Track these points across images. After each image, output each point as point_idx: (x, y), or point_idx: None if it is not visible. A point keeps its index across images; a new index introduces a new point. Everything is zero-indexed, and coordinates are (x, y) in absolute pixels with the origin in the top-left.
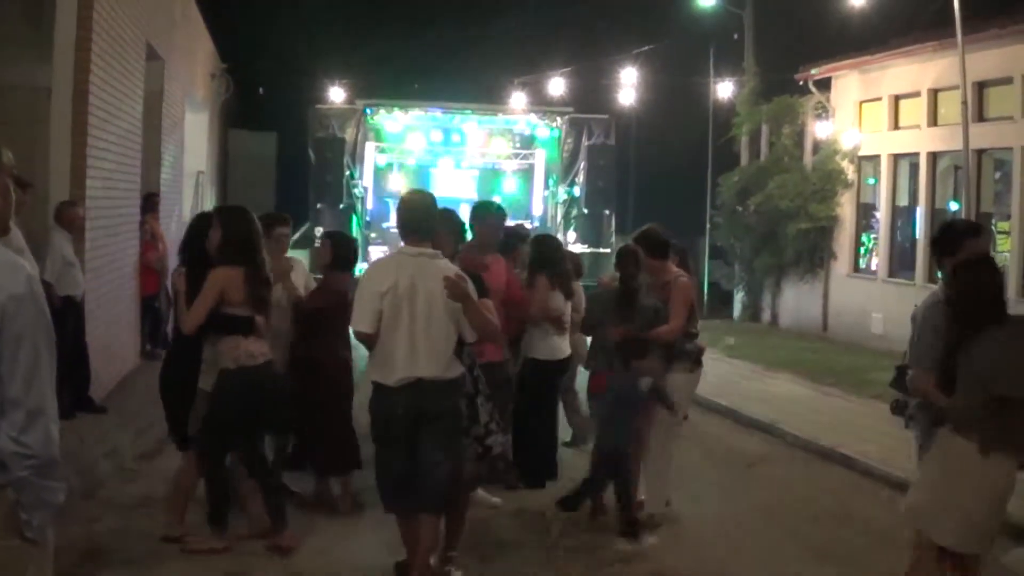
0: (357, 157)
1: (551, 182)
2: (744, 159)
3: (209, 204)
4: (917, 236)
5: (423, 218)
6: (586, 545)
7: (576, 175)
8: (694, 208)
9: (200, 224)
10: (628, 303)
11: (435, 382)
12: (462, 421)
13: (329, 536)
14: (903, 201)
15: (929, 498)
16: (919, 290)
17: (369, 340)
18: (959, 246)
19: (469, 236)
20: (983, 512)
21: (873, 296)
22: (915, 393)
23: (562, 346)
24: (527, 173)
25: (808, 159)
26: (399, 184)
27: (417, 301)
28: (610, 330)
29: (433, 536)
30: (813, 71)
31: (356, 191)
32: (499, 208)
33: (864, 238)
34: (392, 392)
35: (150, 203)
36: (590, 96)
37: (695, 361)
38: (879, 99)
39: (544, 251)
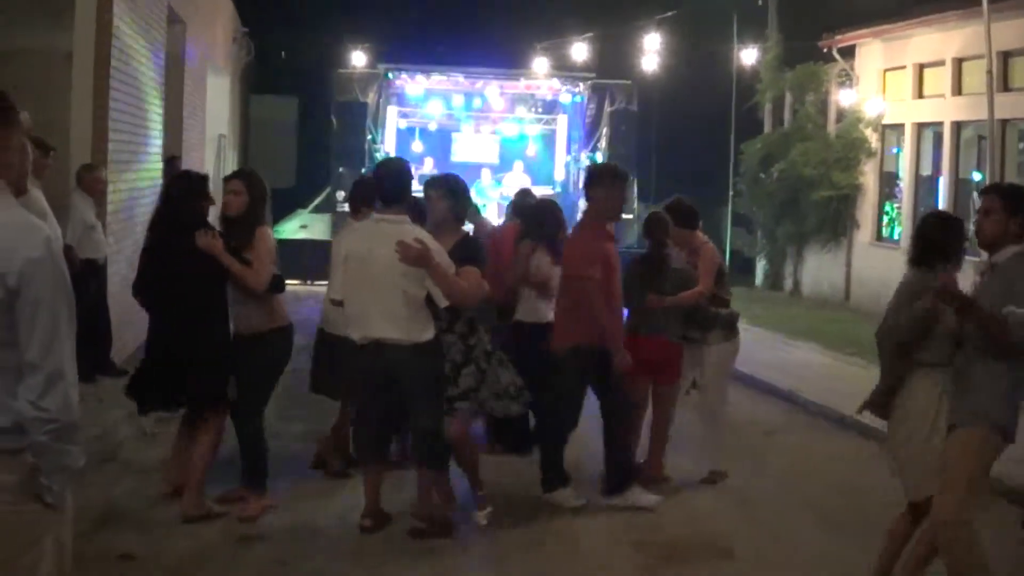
0: (379, 122)
1: (573, 148)
2: (767, 126)
3: (230, 168)
4: (940, 206)
5: (391, 185)
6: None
7: (598, 141)
8: (717, 175)
9: (189, 186)
10: (658, 269)
11: (396, 345)
12: (439, 384)
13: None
14: (926, 171)
15: None
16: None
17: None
18: None
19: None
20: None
21: (895, 265)
22: None
23: (546, 311)
24: (549, 138)
25: (831, 127)
26: (420, 149)
27: (372, 266)
28: (648, 296)
29: (424, 486)
30: (837, 38)
31: (378, 156)
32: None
33: (887, 207)
34: (359, 350)
35: (172, 167)
36: (613, 62)
37: (730, 328)
38: (903, 67)
39: (530, 216)
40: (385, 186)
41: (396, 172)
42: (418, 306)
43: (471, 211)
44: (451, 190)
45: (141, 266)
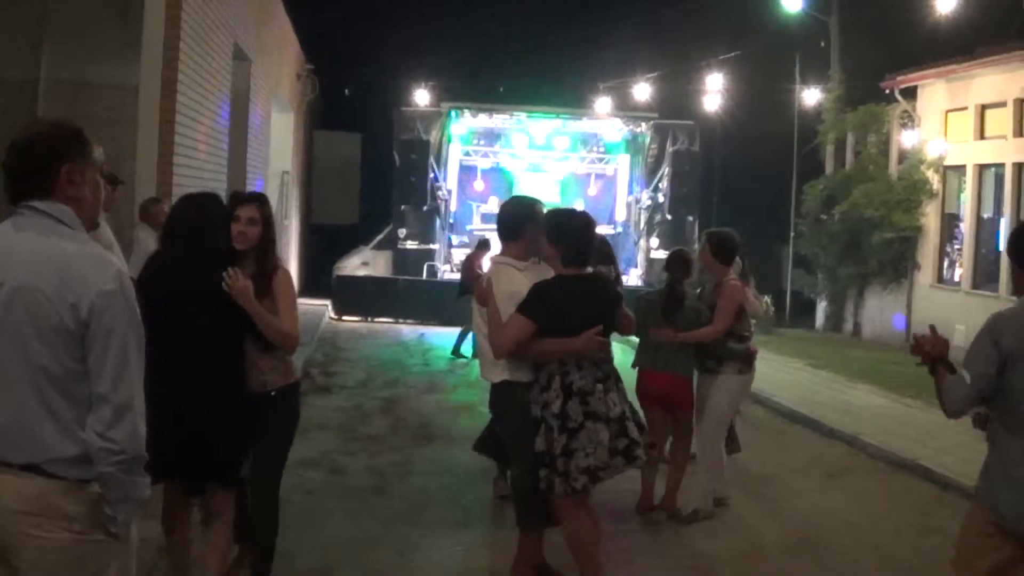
0: (441, 160)
1: (635, 187)
2: (829, 167)
3: (294, 204)
4: (1001, 248)
5: (503, 225)
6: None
7: (660, 180)
8: (778, 216)
9: (204, 212)
10: (674, 305)
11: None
12: (508, 428)
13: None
14: (988, 212)
15: None
16: (1003, 302)
17: None
18: None
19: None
20: None
21: (957, 307)
22: None
23: None
24: (611, 178)
25: (893, 168)
26: (482, 187)
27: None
28: (655, 330)
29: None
30: (899, 79)
31: (440, 193)
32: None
33: (949, 249)
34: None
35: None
36: (675, 102)
37: (744, 362)
38: (965, 108)
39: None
40: (500, 226)
41: (515, 212)
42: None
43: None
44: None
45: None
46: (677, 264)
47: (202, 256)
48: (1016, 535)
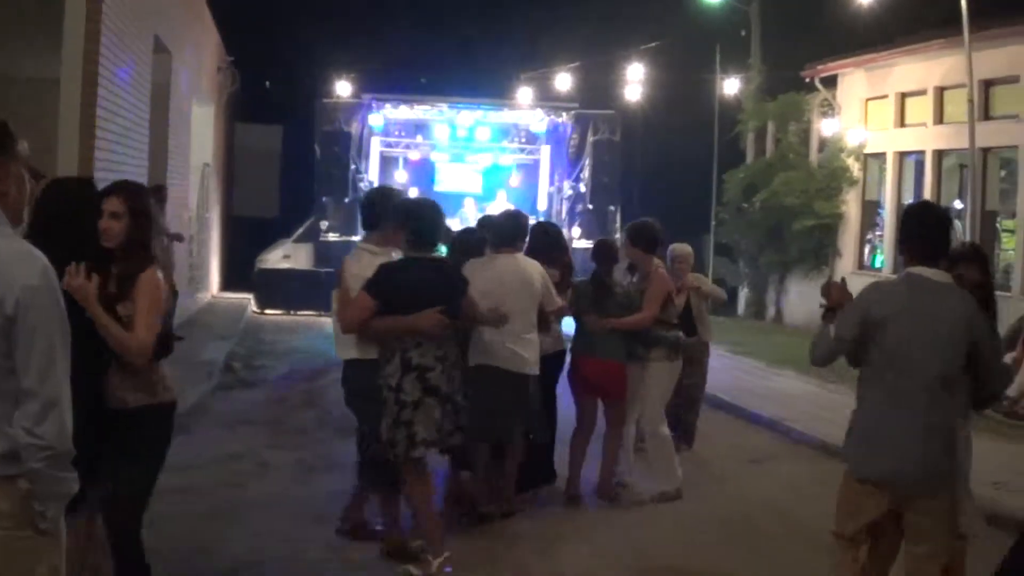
0: (363, 151)
1: (556, 177)
2: (750, 156)
3: (215, 197)
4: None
5: (363, 213)
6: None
7: (581, 171)
8: (699, 205)
9: (78, 198)
10: (602, 293)
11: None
12: (357, 402)
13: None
14: (908, 199)
15: None
16: None
17: None
18: None
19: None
20: None
21: None
22: None
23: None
24: (532, 168)
25: (814, 156)
26: (404, 178)
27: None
28: (586, 318)
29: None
30: (819, 68)
31: (362, 185)
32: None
33: (870, 236)
34: None
35: (158, 195)
36: (596, 92)
37: (672, 349)
38: (885, 97)
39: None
40: (363, 214)
41: (373, 201)
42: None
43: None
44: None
45: None
46: (600, 253)
47: (59, 251)
48: (882, 492)
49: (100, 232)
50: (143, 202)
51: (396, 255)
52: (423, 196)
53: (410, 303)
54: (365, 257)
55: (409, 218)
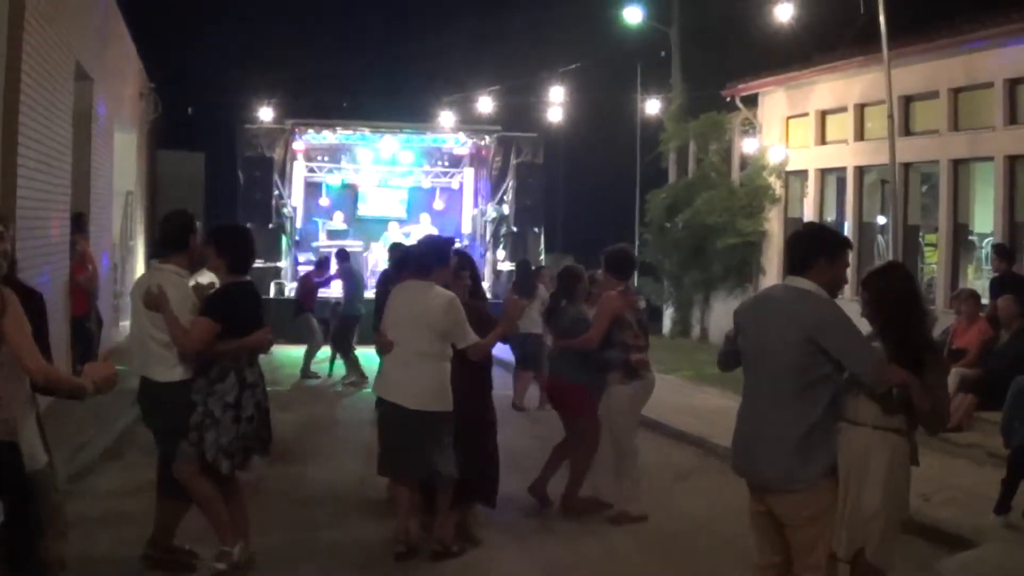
0: (286, 177)
1: (480, 200)
2: (672, 176)
3: (138, 225)
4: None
5: (165, 235)
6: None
7: (505, 193)
8: (623, 225)
9: None
10: (553, 313)
11: (144, 380)
12: (173, 422)
13: None
14: (831, 215)
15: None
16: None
17: None
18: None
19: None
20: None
21: None
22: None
23: None
24: (456, 191)
25: (736, 175)
26: (328, 203)
27: (135, 309)
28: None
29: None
30: (740, 87)
31: (285, 211)
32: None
33: None
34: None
35: (80, 223)
36: (518, 114)
37: (625, 372)
38: (806, 114)
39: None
40: (162, 236)
41: (173, 224)
42: (152, 346)
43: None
44: (218, 241)
45: None
46: (560, 279)
47: None
48: (750, 485)
49: None
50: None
51: (205, 278)
52: (234, 223)
53: (250, 324)
54: (176, 279)
55: (240, 243)
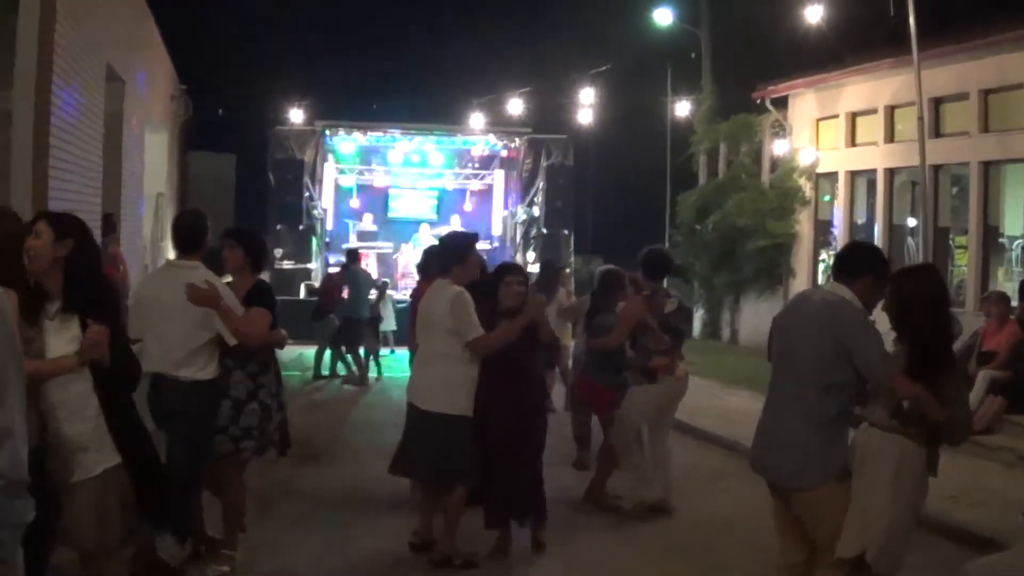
0: (316, 178)
1: (510, 202)
2: (702, 178)
3: (170, 226)
4: None
5: (185, 235)
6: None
7: (535, 195)
8: (653, 227)
9: None
10: (590, 317)
11: (169, 380)
12: (202, 419)
13: None
14: (861, 218)
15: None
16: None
17: None
18: None
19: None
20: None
21: None
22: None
23: None
24: (486, 193)
25: (766, 177)
26: (358, 205)
27: (155, 308)
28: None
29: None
30: (770, 89)
31: (315, 212)
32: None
33: (824, 255)
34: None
35: (108, 224)
36: (548, 116)
37: (643, 374)
38: (836, 116)
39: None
40: (180, 235)
41: (190, 224)
42: (194, 345)
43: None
44: (244, 241)
45: None
46: (602, 281)
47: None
48: (769, 483)
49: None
50: (64, 225)
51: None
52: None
53: (275, 319)
54: (211, 276)
55: (262, 244)
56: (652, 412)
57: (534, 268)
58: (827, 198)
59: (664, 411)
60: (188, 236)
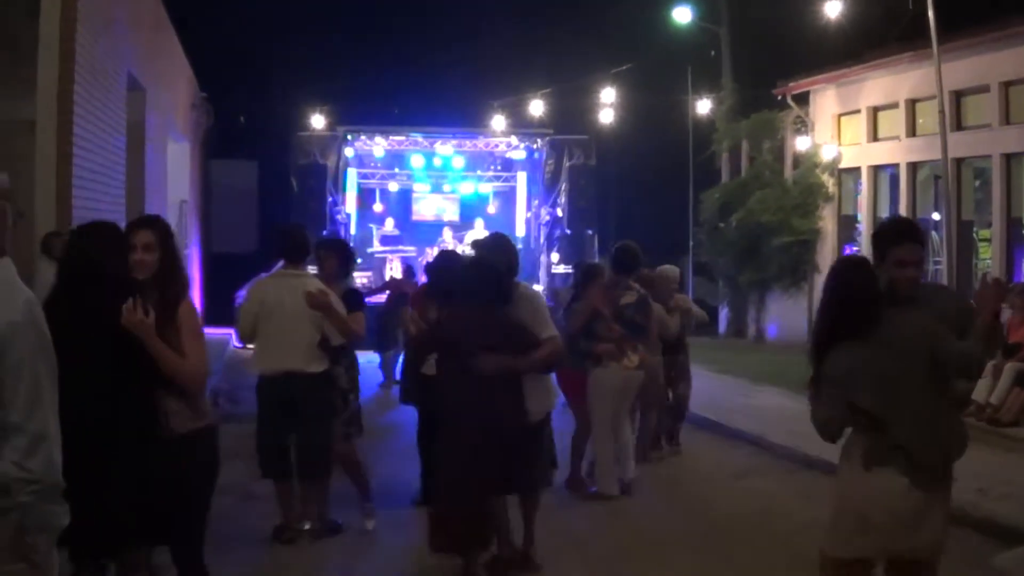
0: (339, 184)
1: (533, 204)
2: (725, 175)
3: (194, 233)
4: None
5: (296, 248)
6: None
7: (558, 196)
8: (677, 226)
9: (106, 238)
10: (570, 306)
11: (301, 374)
12: (329, 408)
13: None
14: (884, 212)
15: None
16: None
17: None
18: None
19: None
20: (878, 518)
21: None
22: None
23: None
24: (509, 195)
25: (788, 173)
26: (381, 209)
27: (277, 312)
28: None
29: (307, 497)
30: (791, 85)
31: (339, 217)
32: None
33: (849, 251)
34: (265, 380)
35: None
36: (570, 117)
37: (588, 357)
38: (857, 111)
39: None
40: (287, 247)
41: (302, 239)
42: (312, 342)
43: None
44: (337, 250)
45: None
46: (583, 274)
47: (97, 289)
48: None
49: (133, 266)
50: (168, 232)
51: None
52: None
53: None
54: (320, 284)
55: (351, 253)
56: (611, 397)
57: (558, 269)
58: (857, 193)
59: (619, 399)
60: (299, 249)
